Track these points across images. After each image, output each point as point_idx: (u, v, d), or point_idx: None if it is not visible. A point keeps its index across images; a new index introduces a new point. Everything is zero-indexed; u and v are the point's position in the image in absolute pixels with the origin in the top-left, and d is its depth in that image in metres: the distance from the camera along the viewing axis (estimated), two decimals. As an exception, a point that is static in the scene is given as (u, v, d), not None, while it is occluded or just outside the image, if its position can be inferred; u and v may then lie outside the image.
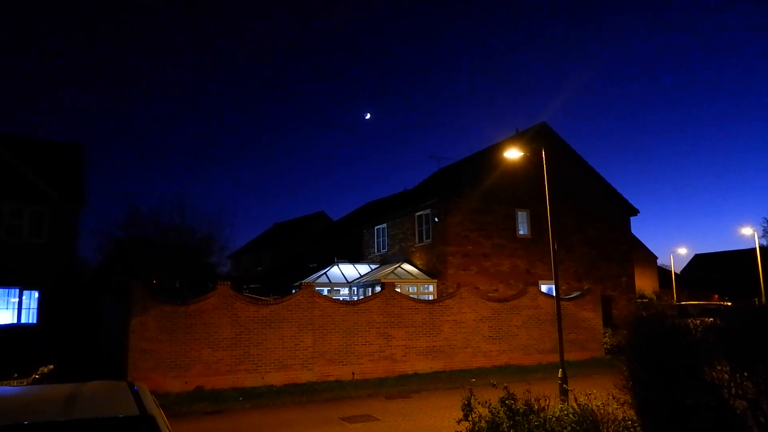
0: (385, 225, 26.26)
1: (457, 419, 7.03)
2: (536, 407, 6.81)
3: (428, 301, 18.36)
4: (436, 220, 21.77)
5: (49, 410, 3.12)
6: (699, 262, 66.85)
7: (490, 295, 20.23)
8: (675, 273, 48.28)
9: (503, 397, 6.80)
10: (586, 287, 21.87)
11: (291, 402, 13.23)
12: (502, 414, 6.65)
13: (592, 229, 24.37)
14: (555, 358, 18.97)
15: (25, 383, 13.36)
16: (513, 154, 13.62)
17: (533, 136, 22.38)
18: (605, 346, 20.50)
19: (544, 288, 21.43)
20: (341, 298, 21.41)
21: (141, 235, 21.37)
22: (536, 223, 22.72)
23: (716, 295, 45.96)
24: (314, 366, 15.85)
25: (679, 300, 39.63)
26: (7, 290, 18.56)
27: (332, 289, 22.94)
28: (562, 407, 7.34)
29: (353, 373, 16.20)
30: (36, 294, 18.96)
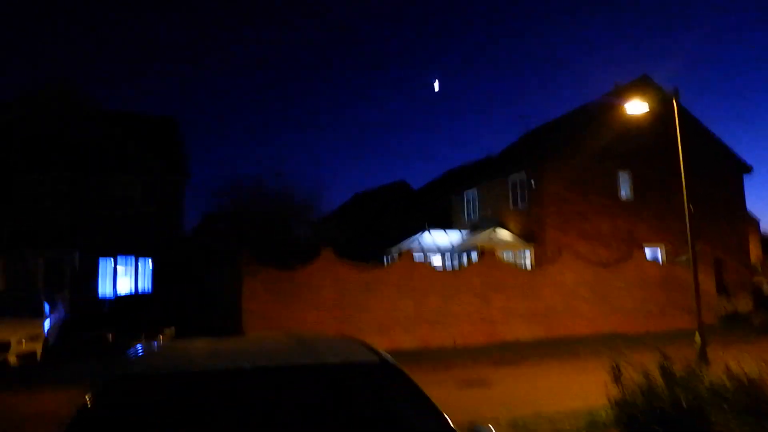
0: (474, 190, 25.78)
1: (585, 384, 6.71)
2: (698, 372, 6.38)
3: (529, 270, 17.90)
4: (533, 182, 21.05)
5: (296, 355, 3.14)
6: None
7: (591, 259, 19.46)
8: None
9: (661, 361, 6.41)
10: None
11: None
12: (660, 380, 6.26)
13: (700, 187, 22.69)
14: (662, 325, 18.13)
15: (151, 344, 14.39)
16: (636, 107, 12.66)
17: (635, 90, 20.94)
18: (718, 313, 19.29)
19: (647, 251, 20.36)
20: (434, 265, 21.31)
21: (243, 204, 22.09)
22: (639, 182, 21.48)
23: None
24: (415, 330, 15.90)
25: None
26: (125, 258, 19.87)
27: (425, 255, 22.88)
28: (719, 375, 6.84)
29: (455, 340, 16.13)
30: (149, 261, 20.18)
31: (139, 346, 3.56)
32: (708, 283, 19.51)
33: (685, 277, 19.15)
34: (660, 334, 16.84)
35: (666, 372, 6.30)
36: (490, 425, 2.77)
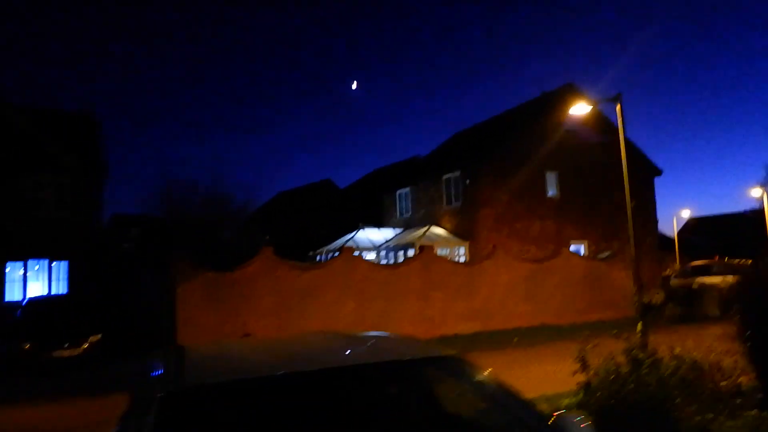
0: (408, 189, 26.03)
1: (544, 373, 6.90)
2: (660, 358, 6.70)
3: (465, 264, 18.29)
4: (467, 182, 21.54)
5: (367, 352, 3.03)
6: (692, 225, 67.69)
7: (522, 256, 20.21)
8: (670, 236, 48.95)
9: (628, 347, 6.67)
10: (615, 247, 21.88)
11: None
12: (625, 366, 6.51)
13: (618, 189, 24.21)
14: (588, 317, 19.13)
15: (75, 353, 13.21)
16: (580, 109, 13.28)
17: (561, 97, 22.01)
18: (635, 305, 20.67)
19: (572, 248, 21.43)
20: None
21: (174, 205, 20.96)
22: (565, 184, 22.58)
23: (717, 256, 46.66)
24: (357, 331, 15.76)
25: (683, 262, 40.19)
26: (36, 261, 18.21)
27: (360, 253, 22.78)
28: (672, 358, 7.25)
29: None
30: (65, 265, 18.63)
31: (170, 351, 3.15)
32: (627, 278, 20.84)
33: (608, 272, 20.37)
34: (587, 325, 17.61)
35: (635, 359, 6.56)
36: (581, 416, 2.66)
